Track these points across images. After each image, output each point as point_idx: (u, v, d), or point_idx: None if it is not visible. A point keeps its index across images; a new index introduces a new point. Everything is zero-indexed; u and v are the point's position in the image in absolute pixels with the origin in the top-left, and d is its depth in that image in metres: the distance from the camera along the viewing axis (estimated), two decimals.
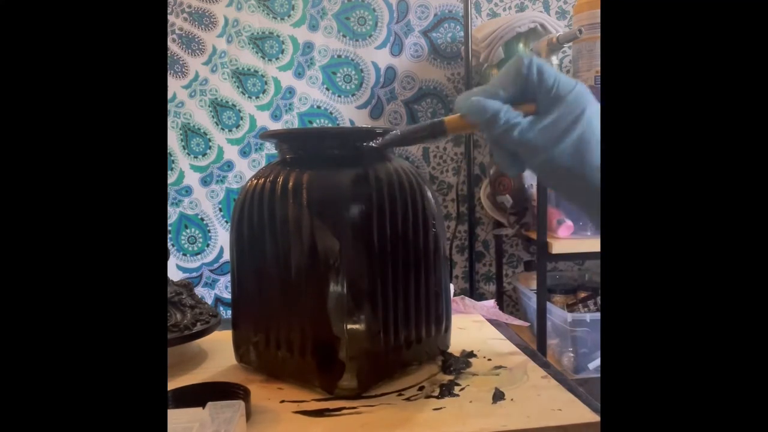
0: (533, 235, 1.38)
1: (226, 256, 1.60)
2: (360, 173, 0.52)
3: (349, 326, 0.50)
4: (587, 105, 0.40)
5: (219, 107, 1.57)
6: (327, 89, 1.61)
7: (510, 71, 0.42)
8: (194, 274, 1.61)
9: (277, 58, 1.58)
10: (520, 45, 1.50)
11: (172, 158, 1.57)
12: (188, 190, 1.59)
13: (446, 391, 0.52)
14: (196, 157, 1.58)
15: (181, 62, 1.54)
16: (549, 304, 1.36)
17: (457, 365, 0.57)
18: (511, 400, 0.50)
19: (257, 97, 1.58)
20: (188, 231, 1.60)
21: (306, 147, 0.56)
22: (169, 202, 1.56)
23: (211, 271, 1.63)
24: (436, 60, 1.64)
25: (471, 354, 0.61)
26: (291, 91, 1.59)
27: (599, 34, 1.15)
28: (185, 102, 1.56)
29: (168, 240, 1.58)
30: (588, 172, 0.39)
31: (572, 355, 1.34)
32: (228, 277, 0.52)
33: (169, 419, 0.36)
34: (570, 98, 0.40)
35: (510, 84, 0.42)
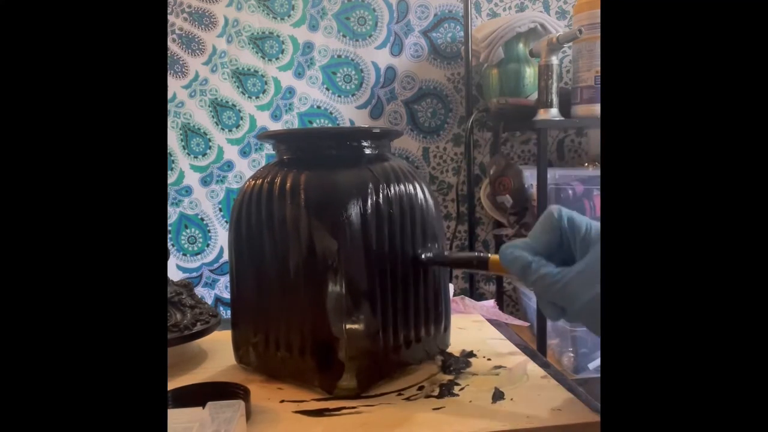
0: None
1: (226, 256, 1.60)
2: (358, 174, 0.52)
3: (348, 326, 0.50)
4: None
5: (219, 107, 1.57)
6: (327, 89, 1.61)
7: (543, 223, 0.44)
8: (194, 274, 1.62)
9: (277, 58, 1.58)
10: (520, 45, 1.51)
11: (172, 158, 1.57)
12: (188, 190, 1.59)
13: (446, 390, 0.52)
14: (196, 157, 1.58)
15: (181, 62, 1.54)
16: None
17: (456, 365, 0.57)
18: (511, 400, 0.50)
19: (257, 97, 1.58)
20: (188, 231, 1.60)
21: (304, 147, 0.56)
22: (169, 202, 1.56)
23: (211, 271, 1.63)
24: (436, 60, 1.65)
25: (471, 354, 0.61)
26: (291, 91, 1.59)
27: (599, 34, 1.15)
28: (185, 102, 1.56)
29: (168, 240, 1.58)
30: None
31: (572, 355, 1.34)
32: (228, 277, 0.53)
33: (169, 419, 0.36)
34: (596, 248, 0.40)
35: (545, 234, 0.43)
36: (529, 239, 0.44)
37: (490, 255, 0.49)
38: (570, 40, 1.32)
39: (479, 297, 1.62)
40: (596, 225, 0.42)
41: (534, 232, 0.44)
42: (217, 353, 0.63)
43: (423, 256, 0.54)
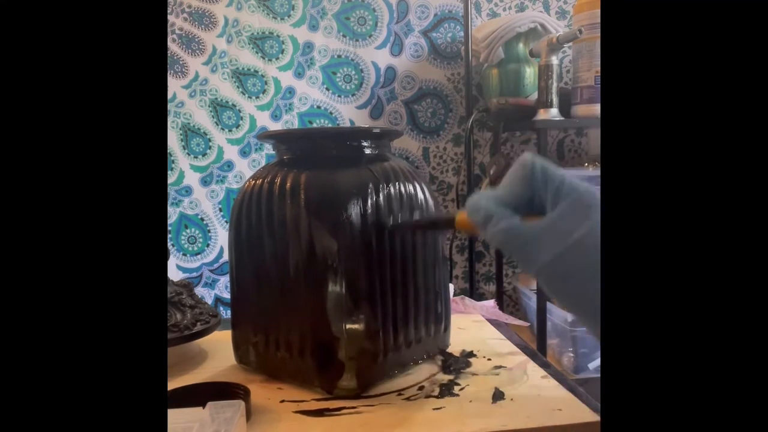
0: None
1: (226, 256, 1.60)
2: (358, 174, 0.52)
3: (348, 326, 0.50)
4: (592, 209, 0.36)
5: (219, 107, 1.57)
6: (327, 89, 1.61)
7: (515, 172, 0.40)
8: (194, 274, 1.61)
9: (277, 58, 1.58)
10: (520, 45, 1.51)
11: (172, 158, 1.57)
12: (188, 190, 1.59)
13: (446, 390, 0.52)
14: (196, 157, 1.58)
15: (181, 62, 1.54)
16: (549, 304, 1.36)
17: (457, 365, 0.57)
18: (511, 400, 0.50)
19: (257, 97, 1.58)
20: (188, 231, 1.60)
21: (304, 147, 0.56)
22: (169, 202, 1.56)
23: (211, 271, 1.63)
24: (436, 60, 1.65)
25: (471, 354, 0.61)
26: (291, 91, 1.59)
27: (599, 34, 1.15)
28: (185, 102, 1.56)
29: (168, 240, 1.58)
30: (587, 284, 0.35)
31: (572, 355, 1.34)
32: (228, 277, 0.53)
33: (169, 419, 0.36)
34: (573, 199, 0.37)
35: (516, 185, 0.40)
36: (499, 190, 0.41)
37: (457, 215, 0.45)
38: (570, 40, 1.32)
39: (479, 297, 1.63)
40: (569, 181, 0.38)
41: (504, 182, 0.41)
42: (217, 353, 0.63)
43: (390, 224, 0.52)
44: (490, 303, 0.82)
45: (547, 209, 0.38)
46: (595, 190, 0.37)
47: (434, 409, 0.49)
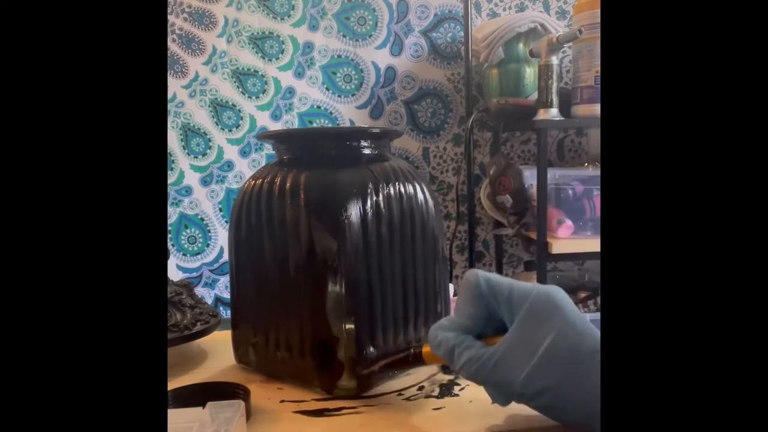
0: (533, 235, 1.38)
1: (226, 256, 1.61)
2: (358, 173, 0.52)
3: (348, 326, 0.50)
4: (550, 313, 0.35)
5: (219, 107, 1.57)
6: (327, 89, 1.61)
7: (463, 294, 0.39)
8: (194, 274, 1.62)
9: (277, 58, 1.58)
10: (520, 45, 1.51)
11: (172, 158, 1.57)
12: (188, 190, 1.59)
13: (446, 391, 0.52)
14: (196, 157, 1.58)
15: (181, 62, 1.54)
16: None
17: None
18: None
19: (257, 97, 1.58)
20: (188, 231, 1.61)
21: (303, 147, 0.56)
22: (169, 202, 1.57)
23: (211, 271, 1.63)
24: (436, 60, 1.65)
25: None
26: (291, 91, 1.59)
27: (599, 34, 1.15)
28: (185, 102, 1.56)
29: (168, 240, 1.58)
30: (573, 391, 0.33)
31: None
32: (228, 277, 0.53)
33: (169, 419, 0.36)
34: (527, 308, 0.35)
35: (468, 307, 0.39)
36: (455, 315, 0.40)
37: (423, 347, 0.44)
38: (570, 40, 1.32)
39: None
40: (518, 287, 0.36)
41: (458, 306, 0.39)
42: (217, 353, 0.63)
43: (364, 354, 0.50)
44: None
45: (507, 324, 0.37)
46: (546, 290, 0.36)
47: (434, 409, 0.49)
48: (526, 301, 0.36)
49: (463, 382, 0.54)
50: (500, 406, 0.39)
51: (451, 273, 1.69)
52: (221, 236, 1.61)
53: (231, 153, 1.59)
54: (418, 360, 0.46)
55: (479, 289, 0.38)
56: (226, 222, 1.61)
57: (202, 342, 0.64)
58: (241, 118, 1.58)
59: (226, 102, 1.57)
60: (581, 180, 1.39)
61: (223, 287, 1.63)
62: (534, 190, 1.38)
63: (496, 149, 1.65)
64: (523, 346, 0.35)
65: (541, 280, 1.32)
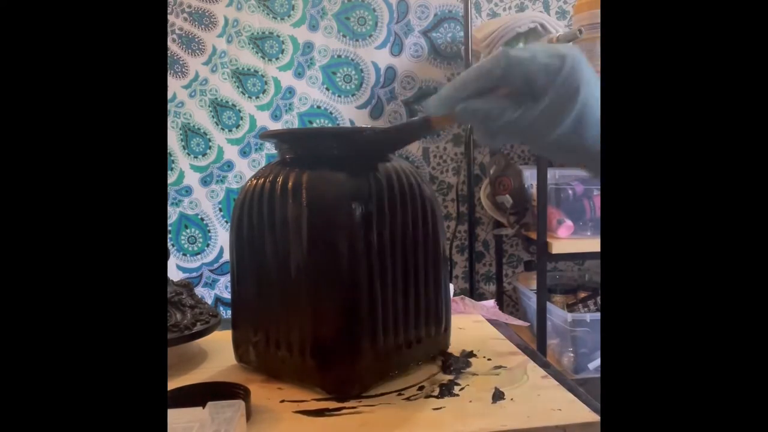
0: (533, 235, 1.38)
1: (226, 256, 1.60)
2: (359, 173, 0.52)
3: (348, 326, 0.50)
4: (579, 81, 0.39)
5: (219, 107, 1.57)
6: (327, 89, 1.61)
7: (483, 66, 0.41)
8: (194, 274, 1.61)
9: (277, 58, 1.58)
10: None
11: (172, 158, 1.57)
12: (188, 190, 1.59)
13: (446, 390, 0.52)
14: (196, 157, 1.58)
15: (181, 62, 1.54)
16: (549, 304, 1.36)
17: (457, 365, 0.57)
18: (511, 400, 0.50)
19: (257, 97, 1.58)
20: (188, 231, 1.60)
21: (306, 147, 0.56)
22: (169, 202, 1.56)
23: (211, 271, 1.63)
24: (436, 60, 1.64)
25: (471, 354, 0.61)
26: (291, 91, 1.59)
27: (599, 34, 1.15)
28: (185, 102, 1.56)
29: (168, 240, 1.58)
30: (588, 143, 0.39)
31: (572, 355, 1.34)
32: (228, 277, 0.53)
33: (169, 419, 0.36)
34: (560, 81, 0.39)
35: (484, 78, 0.41)
36: (469, 82, 0.42)
37: (431, 116, 0.46)
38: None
39: (479, 297, 1.63)
40: (550, 63, 0.39)
41: (477, 76, 0.41)
42: (217, 353, 0.63)
43: (365, 133, 0.52)
44: (490, 303, 0.83)
45: (532, 90, 0.40)
46: (572, 63, 0.39)
47: (434, 409, 0.49)
48: (561, 68, 0.39)
49: (463, 382, 0.54)
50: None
51: (451, 273, 1.69)
52: (221, 236, 1.61)
53: (231, 153, 1.59)
54: (426, 125, 0.47)
55: (504, 70, 0.40)
56: (226, 222, 1.61)
57: (202, 342, 0.64)
58: (241, 118, 1.58)
59: (226, 102, 1.57)
60: (581, 180, 1.39)
61: (223, 287, 1.63)
62: (534, 190, 1.38)
63: (496, 149, 1.65)
64: (557, 109, 0.39)
65: (541, 280, 1.31)
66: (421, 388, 0.53)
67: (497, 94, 0.41)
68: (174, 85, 1.54)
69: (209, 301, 1.61)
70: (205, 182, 1.59)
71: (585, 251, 1.33)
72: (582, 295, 1.48)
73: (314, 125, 1.60)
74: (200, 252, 1.62)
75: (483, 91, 0.41)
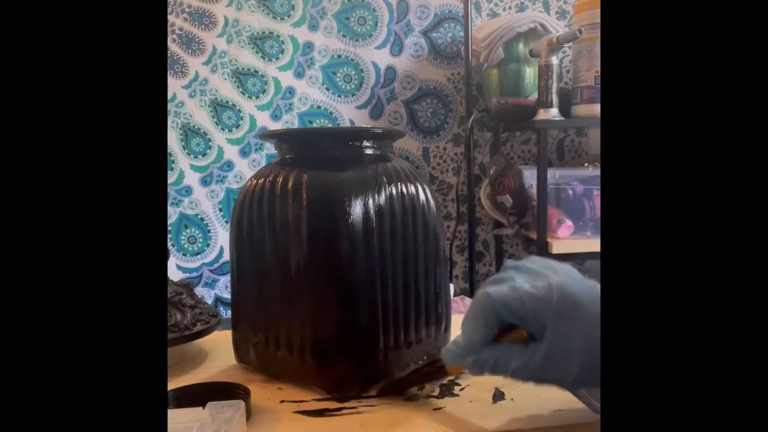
0: (533, 235, 1.38)
1: (226, 256, 1.60)
2: (360, 173, 0.52)
3: (348, 326, 0.50)
4: (573, 319, 0.38)
5: (219, 107, 1.57)
6: (327, 89, 1.61)
7: (478, 318, 0.41)
8: (194, 274, 1.61)
9: (277, 58, 1.58)
10: (520, 45, 1.51)
11: (172, 158, 1.57)
12: (188, 190, 1.59)
13: (446, 391, 0.52)
14: (196, 157, 1.58)
15: (181, 62, 1.54)
16: None
17: None
18: (511, 400, 0.50)
19: (257, 97, 1.58)
20: (188, 231, 1.60)
21: (306, 147, 0.56)
22: (169, 202, 1.56)
23: (211, 271, 1.63)
24: (436, 60, 1.65)
25: None
26: (291, 91, 1.59)
27: (599, 34, 1.15)
28: (185, 102, 1.56)
29: (168, 240, 1.58)
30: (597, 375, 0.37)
31: None
32: (228, 277, 0.53)
33: (169, 419, 0.36)
34: (552, 315, 0.38)
35: (483, 329, 0.41)
36: (470, 333, 0.42)
37: (446, 366, 0.46)
38: (570, 40, 1.32)
39: None
40: (537, 302, 0.38)
41: (473, 327, 0.42)
42: (217, 353, 0.63)
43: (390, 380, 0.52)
44: None
45: (530, 328, 0.40)
46: (564, 292, 0.38)
47: (434, 409, 0.49)
48: (551, 305, 0.38)
49: (463, 382, 0.54)
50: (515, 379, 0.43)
51: (451, 273, 1.69)
52: (221, 236, 1.61)
53: (231, 153, 1.59)
54: (441, 373, 0.49)
55: (492, 315, 0.41)
56: (226, 222, 1.61)
57: (202, 342, 0.64)
58: (241, 118, 1.58)
59: (226, 102, 1.57)
60: (581, 180, 1.39)
61: (223, 287, 1.63)
62: (534, 190, 1.38)
63: (496, 149, 1.65)
64: (556, 354, 0.39)
65: None
66: (421, 388, 0.53)
67: (507, 339, 0.42)
68: (174, 85, 1.54)
69: (209, 301, 1.61)
70: (205, 182, 1.59)
71: (585, 251, 1.33)
72: None
73: (314, 125, 1.60)
74: (200, 252, 1.62)
75: (490, 338, 0.42)
